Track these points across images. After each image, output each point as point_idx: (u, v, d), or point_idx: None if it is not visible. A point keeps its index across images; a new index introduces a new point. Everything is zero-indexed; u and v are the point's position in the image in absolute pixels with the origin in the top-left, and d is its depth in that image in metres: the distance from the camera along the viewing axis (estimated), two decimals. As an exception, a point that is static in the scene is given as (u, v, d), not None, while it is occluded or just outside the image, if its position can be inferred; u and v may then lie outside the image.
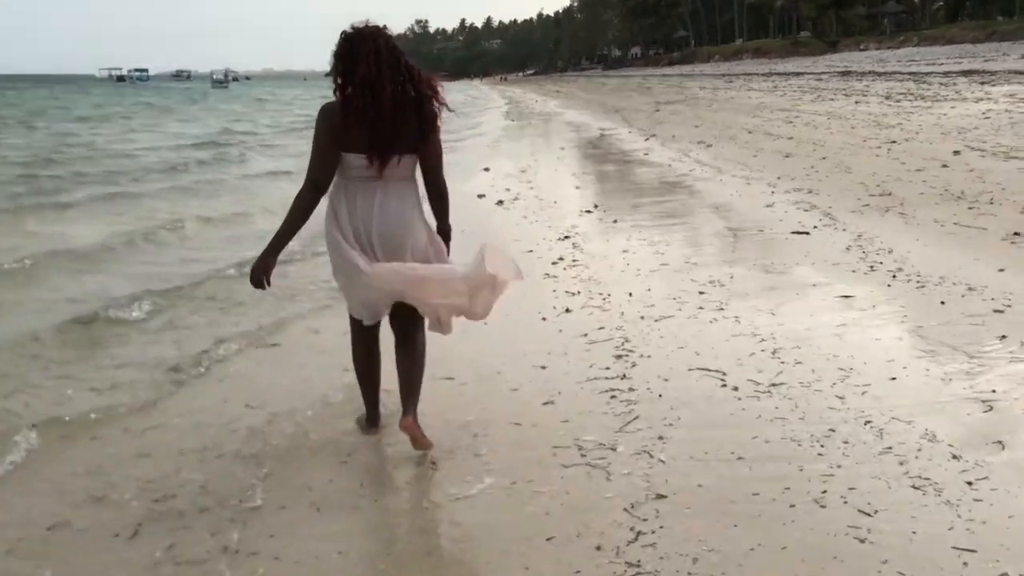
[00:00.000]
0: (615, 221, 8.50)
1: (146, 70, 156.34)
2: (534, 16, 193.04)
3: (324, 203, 3.34)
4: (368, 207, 3.26)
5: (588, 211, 9.22)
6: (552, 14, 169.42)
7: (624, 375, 4.19)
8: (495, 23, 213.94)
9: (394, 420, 3.55)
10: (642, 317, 5.16)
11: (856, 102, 22.56)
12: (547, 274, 6.41)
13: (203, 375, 4.67)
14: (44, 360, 4.98)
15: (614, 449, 3.40)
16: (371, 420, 3.74)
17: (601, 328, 4.98)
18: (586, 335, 4.87)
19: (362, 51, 3.12)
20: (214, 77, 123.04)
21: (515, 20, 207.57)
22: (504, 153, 17.41)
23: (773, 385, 3.96)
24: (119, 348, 5.24)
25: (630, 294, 5.68)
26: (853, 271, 5.97)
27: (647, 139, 17.97)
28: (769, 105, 24.61)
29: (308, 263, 7.04)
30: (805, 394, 3.84)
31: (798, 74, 44.37)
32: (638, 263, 6.60)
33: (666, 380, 4.11)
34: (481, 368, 4.41)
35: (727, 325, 4.93)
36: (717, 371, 4.18)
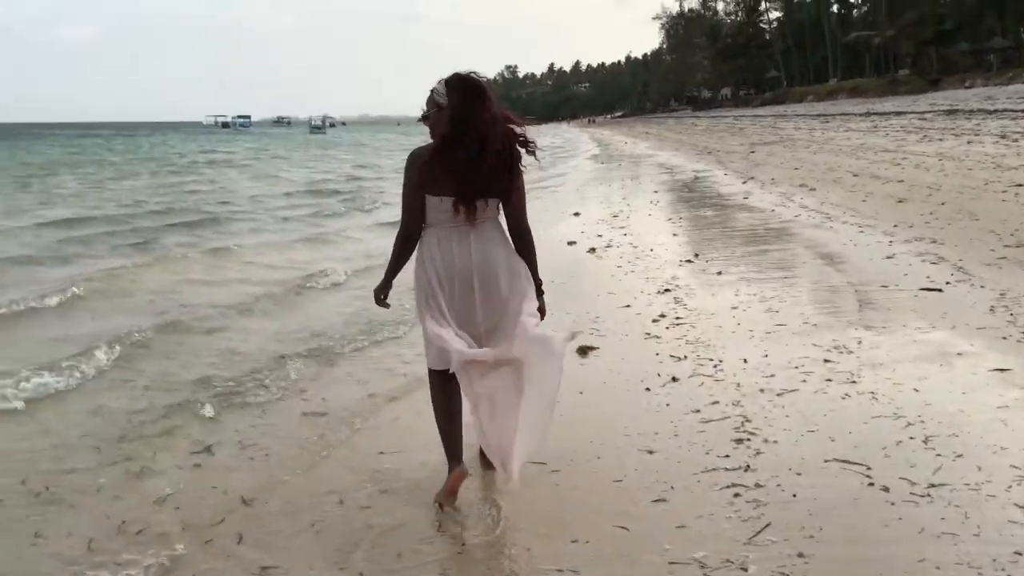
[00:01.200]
0: (719, 273, 7.86)
1: (248, 116, 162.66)
2: (622, 59, 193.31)
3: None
4: (465, 252, 3.30)
5: (688, 260, 8.60)
6: (640, 56, 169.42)
7: (748, 466, 3.57)
8: (583, 67, 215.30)
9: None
10: (761, 390, 4.53)
11: (968, 142, 21.22)
12: (648, 334, 5.83)
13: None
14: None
15: (745, 569, 2.79)
16: (455, 458, 3.44)
17: (715, 403, 4.37)
18: (698, 411, 4.26)
19: (472, 103, 3.18)
20: (312, 123, 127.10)
21: (603, 63, 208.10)
22: (594, 197, 16.93)
23: (932, 486, 3.28)
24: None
25: (745, 360, 5.05)
26: (1004, 337, 5.19)
27: (745, 182, 17.22)
28: (872, 146, 23.45)
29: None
30: (975, 500, 3.16)
31: (899, 113, 42.62)
32: (750, 322, 5.95)
33: (799, 474, 3.47)
34: (577, 451, 3.86)
35: (863, 403, 4.25)
36: (860, 464, 3.52)
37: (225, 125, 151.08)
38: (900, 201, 11.81)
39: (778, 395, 4.44)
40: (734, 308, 6.43)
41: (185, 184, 26.33)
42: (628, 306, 6.71)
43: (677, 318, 6.21)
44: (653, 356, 5.30)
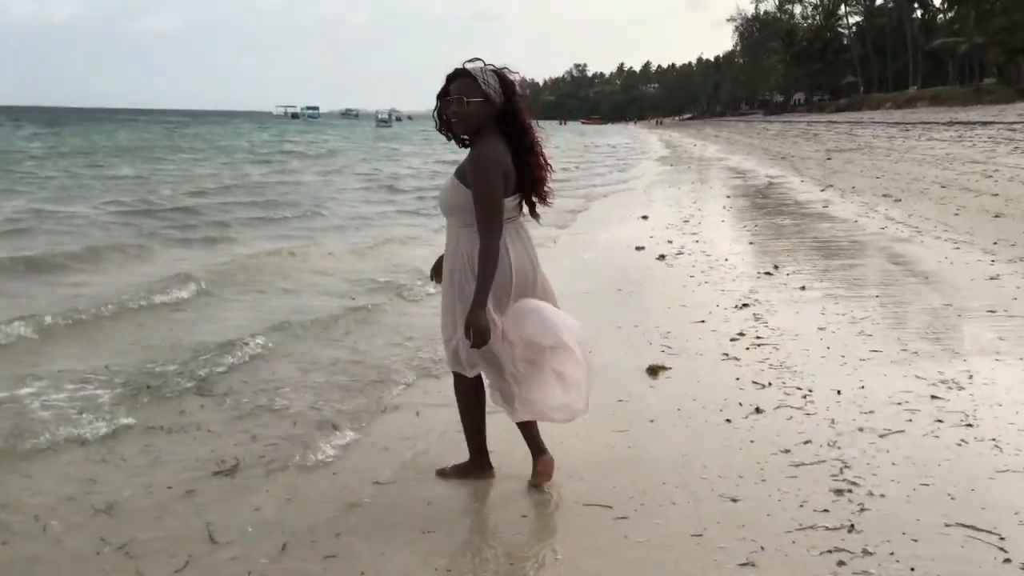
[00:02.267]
0: (802, 288, 7.23)
1: (317, 108, 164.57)
2: (693, 60, 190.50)
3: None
4: (524, 247, 3.24)
5: (767, 273, 7.97)
6: (712, 59, 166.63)
7: (852, 525, 3.02)
8: (653, 67, 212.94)
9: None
10: (860, 429, 3.95)
11: (1066, 155, 20.00)
12: (726, 354, 5.27)
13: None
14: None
15: (859, 670, 2.26)
16: (479, 463, 3.52)
17: (807, 442, 3.81)
18: (788, 451, 3.71)
19: (518, 98, 3.15)
20: (379, 116, 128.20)
21: (673, 65, 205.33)
22: (663, 199, 16.28)
23: (1086, 567, 2.70)
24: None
25: (838, 392, 4.47)
26: None
27: (823, 190, 16.38)
28: (958, 156, 22.24)
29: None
30: None
31: (985, 123, 40.70)
32: (840, 346, 5.35)
33: (915, 541, 2.91)
34: (648, 494, 3.35)
35: (985, 453, 3.64)
36: (989, 532, 2.94)
37: (295, 116, 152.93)
38: (997, 216, 10.96)
39: (881, 436, 3.85)
40: (821, 329, 5.82)
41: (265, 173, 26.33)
42: (703, 321, 6.15)
43: (757, 337, 5.64)
44: (732, 381, 4.75)
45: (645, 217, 12.92)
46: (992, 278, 7.21)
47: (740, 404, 4.35)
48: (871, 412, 4.16)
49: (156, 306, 7.17)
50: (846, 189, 16.07)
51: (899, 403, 4.28)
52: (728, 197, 16.26)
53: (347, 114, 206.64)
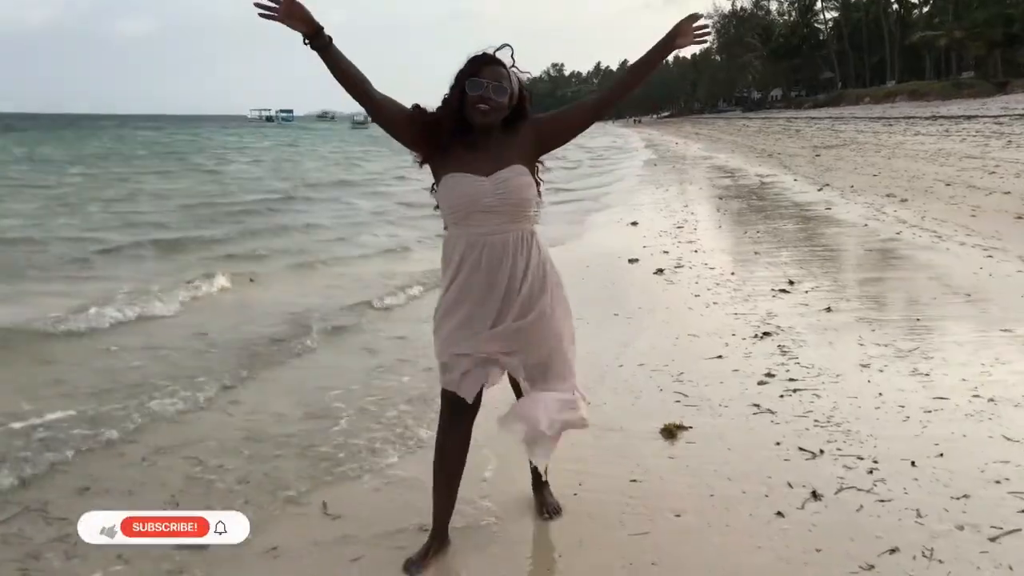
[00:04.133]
0: (827, 309, 6.22)
1: (291, 111, 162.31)
2: (670, 58, 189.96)
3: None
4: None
5: (783, 290, 6.98)
6: (689, 56, 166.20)
7: None
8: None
9: None
10: (960, 527, 2.94)
11: (1066, 149, 19.20)
12: (756, 406, 4.25)
13: None
14: None
15: None
16: (438, 535, 2.95)
17: (893, 550, 2.80)
18: (872, 568, 2.70)
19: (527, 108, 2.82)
20: (355, 119, 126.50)
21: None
22: (652, 203, 15.27)
23: None
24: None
25: (913, 464, 3.46)
26: None
27: (820, 189, 15.45)
28: (951, 151, 21.42)
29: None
30: None
31: (969, 117, 40.14)
32: (894, 392, 4.35)
33: None
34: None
35: None
36: None
37: (269, 119, 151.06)
38: (1019, 217, 10.05)
39: (992, 540, 2.85)
40: (864, 367, 4.82)
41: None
42: (720, 357, 5.13)
43: (791, 380, 4.63)
44: (772, 447, 3.73)
45: (635, 223, 11.91)
46: (1046, 294, 6.27)
47: (790, 485, 3.33)
48: (966, 497, 3.16)
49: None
50: (844, 188, 15.15)
51: (998, 481, 3.28)
52: (720, 199, 15.27)
53: (324, 116, 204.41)
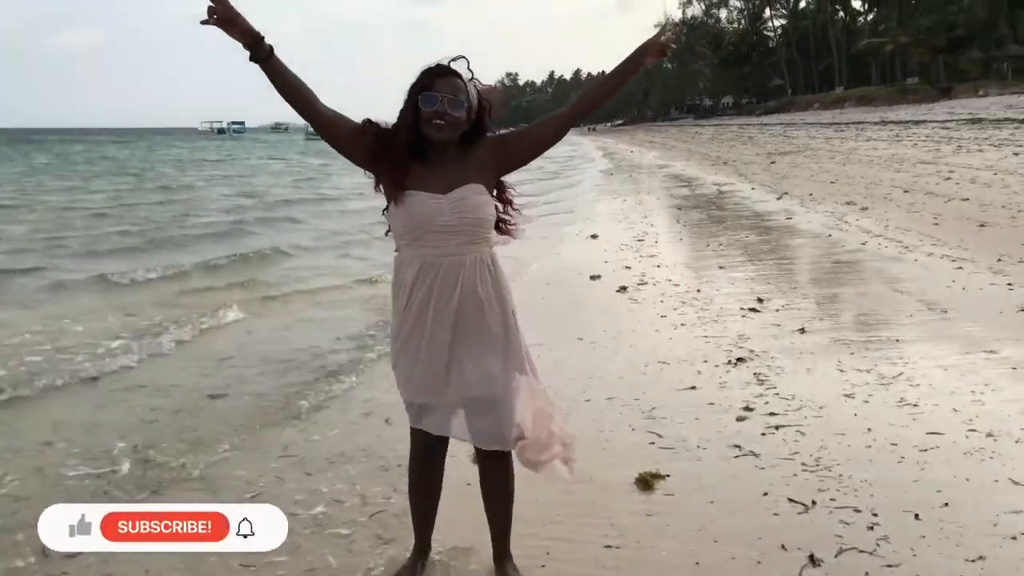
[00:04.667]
0: (802, 331, 5.89)
1: (243, 123, 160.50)
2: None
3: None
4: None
5: (752, 309, 6.65)
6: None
7: None
8: (583, 75, 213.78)
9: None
10: (982, 598, 2.58)
11: (1015, 153, 19.34)
12: (739, 447, 3.87)
13: None
14: None
15: None
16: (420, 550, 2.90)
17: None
18: (892, 661, 2.32)
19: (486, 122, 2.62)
20: (308, 130, 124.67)
21: (603, 71, 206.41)
22: (610, 213, 14.95)
23: None
24: None
25: (916, 516, 3.11)
26: None
27: (779, 198, 15.28)
28: (904, 157, 21.54)
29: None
30: None
31: (917, 122, 40.76)
32: (883, 427, 4.01)
33: None
34: None
35: None
36: None
37: (220, 131, 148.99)
38: (982, 225, 9.91)
39: (1021, 615, 2.49)
40: (848, 396, 4.48)
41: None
42: (694, 388, 4.76)
43: (771, 414, 4.27)
44: (759, 497, 3.35)
45: (595, 236, 11.56)
46: (1023, 310, 6.01)
47: (783, 548, 2.95)
48: (981, 559, 2.81)
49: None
50: (803, 197, 15.00)
51: (1013, 537, 2.93)
52: (679, 209, 15.02)
53: (277, 128, 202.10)
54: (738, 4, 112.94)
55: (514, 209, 2.73)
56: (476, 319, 2.53)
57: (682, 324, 6.30)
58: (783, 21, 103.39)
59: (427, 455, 2.75)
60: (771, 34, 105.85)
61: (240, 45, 2.42)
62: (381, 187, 2.56)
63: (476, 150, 2.58)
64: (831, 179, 17.74)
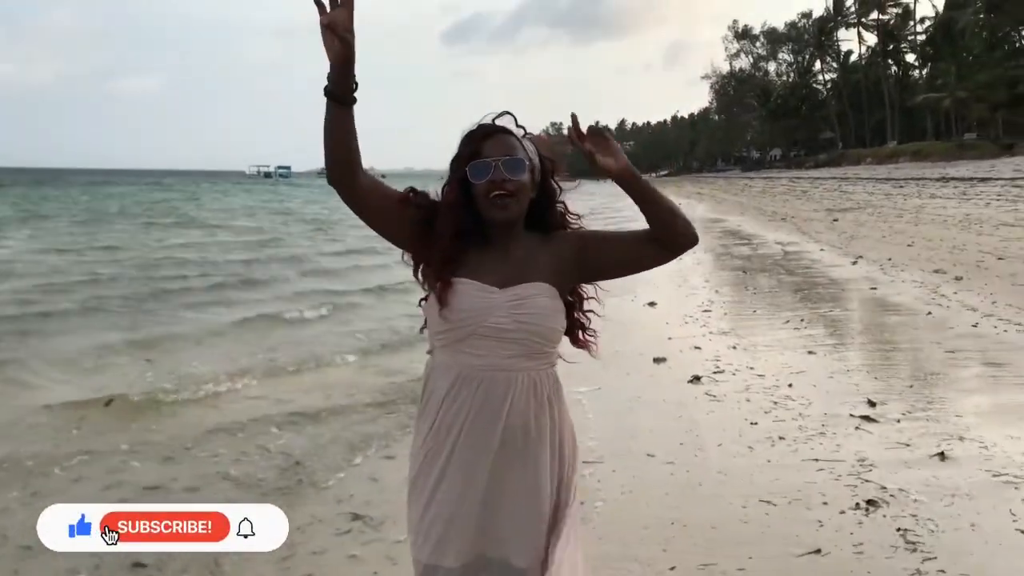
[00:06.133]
0: (941, 455, 4.57)
1: (289, 167, 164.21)
2: (668, 118, 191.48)
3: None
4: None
5: (866, 417, 5.34)
6: (687, 115, 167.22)
7: None
8: (628, 125, 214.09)
9: None
10: None
11: (1111, 216, 17.78)
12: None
13: None
14: None
15: None
16: None
17: None
18: None
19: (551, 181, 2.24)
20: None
21: (648, 122, 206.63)
22: (667, 276, 13.62)
23: None
24: None
25: None
26: None
27: (855, 262, 13.90)
28: (980, 218, 20.01)
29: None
30: None
31: (982, 179, 39.00)
32: None
33: None
34: None
35: None
36: None
37: (267, 175, 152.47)
38: (1113, 306, 8.49)
39: None
40: (1047, 577, 3.18)
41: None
42: (818, 552, 3.48)
43: (945, 606, 2.98)
44: None
45: (652, 303, 10.34)
46: None
47: None
48: None
49: None
50: (882, 261, 13.61)
51: None
52: (744, 272, 13.72)
53: (322, 173, 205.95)
54: (787, 58, 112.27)
55: (587, 312, 2.15)
56: (521, 462, 1.95)
57: (780, 438, 5.01)
58: (833, 75, 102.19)
59: None
60: (821, 87, 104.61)
61: (328, 63, 1.86)
62: (420, 275, 2.04)
63: (555, 241, 2.08)
64: (906, 241, 16.30)
